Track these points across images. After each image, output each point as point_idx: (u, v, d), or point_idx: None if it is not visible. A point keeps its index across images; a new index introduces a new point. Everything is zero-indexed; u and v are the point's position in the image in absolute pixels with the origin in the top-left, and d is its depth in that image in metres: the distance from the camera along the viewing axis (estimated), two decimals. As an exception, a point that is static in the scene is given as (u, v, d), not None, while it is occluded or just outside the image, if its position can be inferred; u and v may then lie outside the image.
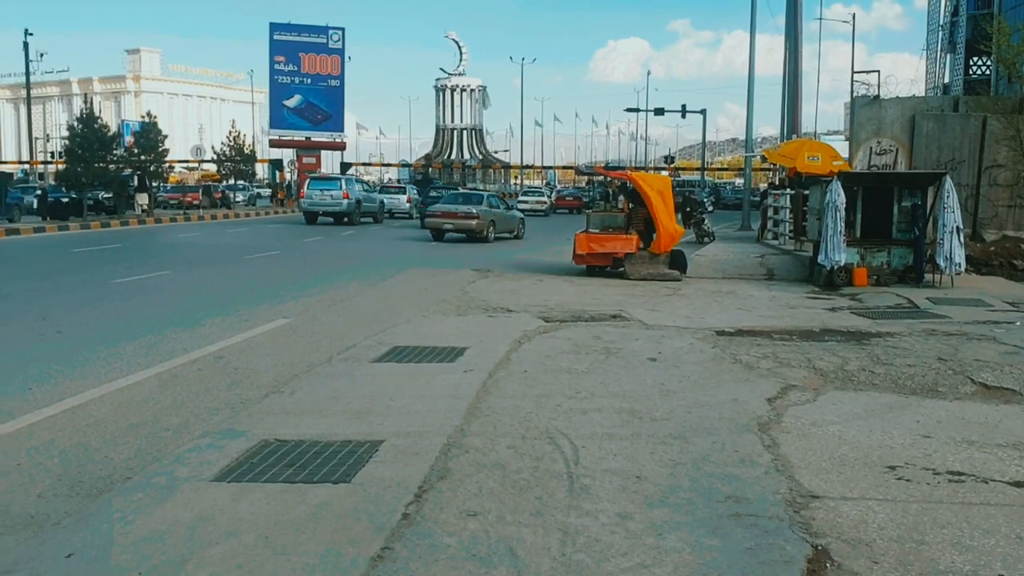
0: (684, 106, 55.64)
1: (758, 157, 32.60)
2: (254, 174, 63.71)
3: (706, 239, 22.44)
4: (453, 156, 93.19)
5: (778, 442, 5.17)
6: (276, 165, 60.80)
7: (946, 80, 35.37)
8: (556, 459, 4.82)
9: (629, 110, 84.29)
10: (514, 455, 4.88)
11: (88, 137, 33.25)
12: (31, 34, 46.04)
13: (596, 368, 7.22)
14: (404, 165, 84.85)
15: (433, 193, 36.09)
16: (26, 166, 65.40)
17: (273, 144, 59.09)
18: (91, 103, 36.65)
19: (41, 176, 52.78)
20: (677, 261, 14.91)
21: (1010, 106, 17.91)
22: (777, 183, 25.03)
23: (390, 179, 74.02)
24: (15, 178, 49.30)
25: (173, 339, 8.55)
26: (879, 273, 13.47)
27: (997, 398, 6.38)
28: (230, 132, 58.35)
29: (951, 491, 4.40)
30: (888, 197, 13.73)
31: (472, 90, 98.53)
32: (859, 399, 6.30)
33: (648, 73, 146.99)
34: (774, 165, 26.98)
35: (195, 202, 44.35)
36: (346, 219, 32.63)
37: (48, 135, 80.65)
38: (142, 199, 35.81)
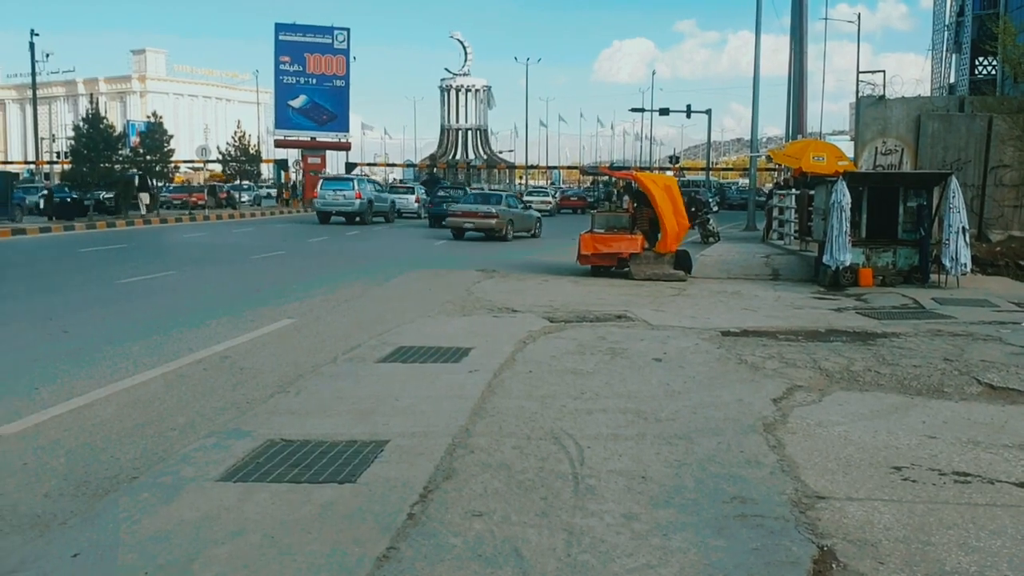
0: (689, 106, 55.50)
1: (763, 157, 32.60)
2: (259, 174, 63.75)
3: (711, 239, 22.40)
4: (458, 156, 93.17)
5: (784, 443, 5.16)
6: (281, 165, 60.89)
7: (952, 80, 35.24)
8: (561, 459, 4.82)
9: (634, 110, 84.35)
10: (519, 455, 4.88)
11: (94, 137, 33.35)
12: (37, 34, 46.05)
13: (601, 368, 7.22)
14: (409, 165, 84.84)
15: (441, 193, 36.25)
16: (32, 166, 65.54)
17: (278, 144, 59.10)
18: (97, 103, 36.75)
19: (47, 176, 52.82)
20: (682, 261, 14.90)
21: (1016, 106, 17.87)
22: (782, 183, 24.99)
23: (395, 179, 73.95)
24: (21, 178, 49.45)
25: (179, 339, 8.57)
26: (884, 273, 13.45)
27: (1003, 399, 6.36)
28: (235, 132, 58.38)
29: (957, 492, 4.39)
30: (893, 197, 13.70)
31: (477, 90, 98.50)
32: (865, 400, 6.28)
33: (653, 73, 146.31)
34: (779, 165, 26.96)
35: (200, 202, 44.48)
36: (358, 219, 32.89)
37: (54, 135, 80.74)
38: (143, 199, 35.86)
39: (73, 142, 34.96)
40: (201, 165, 54.69)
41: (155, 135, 39.21)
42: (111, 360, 7.54)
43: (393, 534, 3.78)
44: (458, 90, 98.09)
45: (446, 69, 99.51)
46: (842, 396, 6.38)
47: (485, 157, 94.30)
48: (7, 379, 6.81)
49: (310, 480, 4.47)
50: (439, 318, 10.09)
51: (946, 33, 35.94)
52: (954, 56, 35.03)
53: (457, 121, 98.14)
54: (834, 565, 3.52)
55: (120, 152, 36.03)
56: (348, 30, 57.00)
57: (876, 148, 18.82)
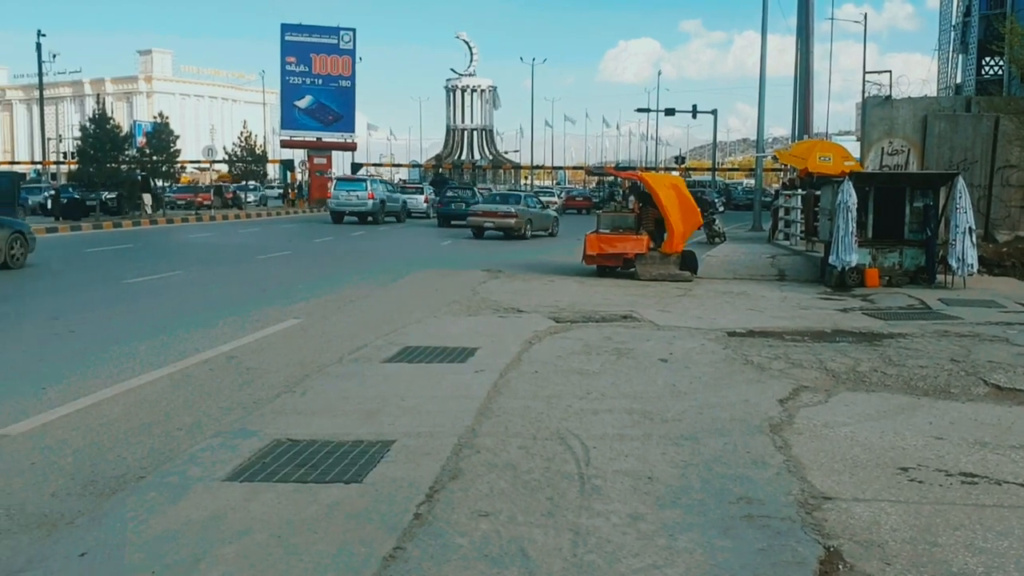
0: (695, 106, 55.56)
1: (769, 157, 32.52)
2: (265, 174, 63.88)
3: (717, 239, 22.38)
4: (464, 156, 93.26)
5: (790, 443, 5.16)
6: (287, 165, 60.94)
7: (958, 80, 35.15)
8: (567, 460, 4.83)
9: (640, 110, 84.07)
10: (525, 455, 4.89)
11: (100, 138, 33.44)
12: (44, 35, 46.24)
13: (607, 369, 7.22)
14: (415, 165, 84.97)
15: (449, 193, 36.78)
16: (39, 166, 65.79)
17: (284, 144, 59.22)
18: (103, 103, 36.91)
19: (54, 176, 53.02)
20: (688, 261, 14.88)
21: (1023, 106, 17.82)
22: (788, 183, 24.94)
23: (401, 180, 74.02)
24: (28, 178, 49.61)
25: (185, 339, 8.59)
26: (891, 274, 13.41)
27: (1010, 399, 6.35)
28: (241, 132, 58.52)
29: (964, 493, 4.38)
30: (900, 198, 13.67)
31: (482, 90, 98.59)
32: (871, 400, 6.27)
33: (659, 73, 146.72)
34: (785, 165, 26.88)
35: (206, 202, 44.57)
36: (371, 218, 33.45)
37: (61, 135, 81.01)
38: (146, 199, 35.94)
39: (80, 142, 35.06)
40: (207, 165, 54.84)
41: (161, 135, 39.37)
42: (118, 360, 7.56)
43: (399, 534, 3.78)
44: (464, 90, 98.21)
45: (452, 69, 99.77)
46: (848, 397, 6.37)
47: (491, 157, 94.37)
48: (14, 379, 6.84)
49: (316, 480, 4.48)
50: (445, 318, 10.10)
51: (953, 33, 35.87)
52: (961, 56, 34.96)
53: (463, 121, 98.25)
54: (840, 566, 3.51)
55: (127, 152, 36.13)
56: (354, 30, 57.11)
57: (882, 148, 18.80)
